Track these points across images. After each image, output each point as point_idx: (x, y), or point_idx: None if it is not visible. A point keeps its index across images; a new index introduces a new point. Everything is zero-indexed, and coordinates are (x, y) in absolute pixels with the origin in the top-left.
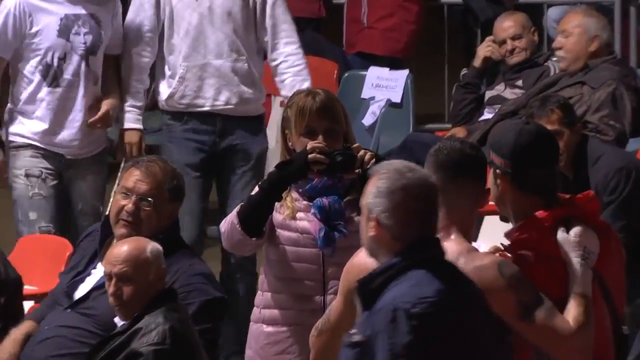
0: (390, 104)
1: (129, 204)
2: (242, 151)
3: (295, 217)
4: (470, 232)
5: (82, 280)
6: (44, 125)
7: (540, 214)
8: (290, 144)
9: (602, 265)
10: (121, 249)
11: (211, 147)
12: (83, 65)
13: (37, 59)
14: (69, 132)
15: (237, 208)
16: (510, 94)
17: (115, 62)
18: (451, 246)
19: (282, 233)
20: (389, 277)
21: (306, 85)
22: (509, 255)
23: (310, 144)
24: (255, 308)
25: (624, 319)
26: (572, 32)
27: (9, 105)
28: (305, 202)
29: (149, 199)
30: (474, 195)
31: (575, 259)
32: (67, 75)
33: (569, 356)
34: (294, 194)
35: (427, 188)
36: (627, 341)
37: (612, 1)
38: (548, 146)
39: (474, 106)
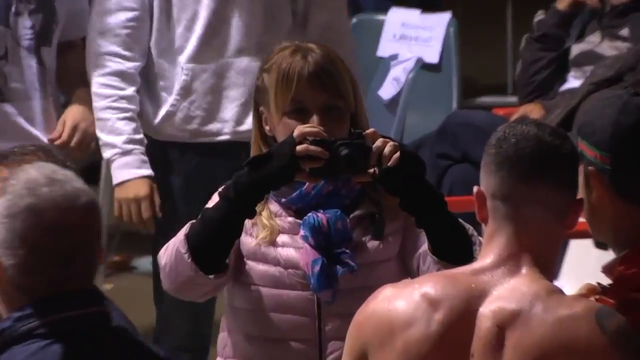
0: (422, 66)
1: None
2: None
3: (276, 242)
4: (552, 264)
5: None
6: None
7: None
8: (267, 128)
9: None
10: None
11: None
12: (34, 62)
13: None
14: None
15: (184, 228)
16: (609, 48)
17: (76, 51)
18: (522, 285)
19: (256, 267)
20: None
21: None
22: (609, 300)
23: (298, 129)
24: None
25: None
26: None
27: None
28: (290, 219)
29: None
30: (558, 208)
31: None
32: (14, 82)
33: None
34: (274, 207)
35: (70, 212)
36: None
37: None
38: None
39: (553, 70)
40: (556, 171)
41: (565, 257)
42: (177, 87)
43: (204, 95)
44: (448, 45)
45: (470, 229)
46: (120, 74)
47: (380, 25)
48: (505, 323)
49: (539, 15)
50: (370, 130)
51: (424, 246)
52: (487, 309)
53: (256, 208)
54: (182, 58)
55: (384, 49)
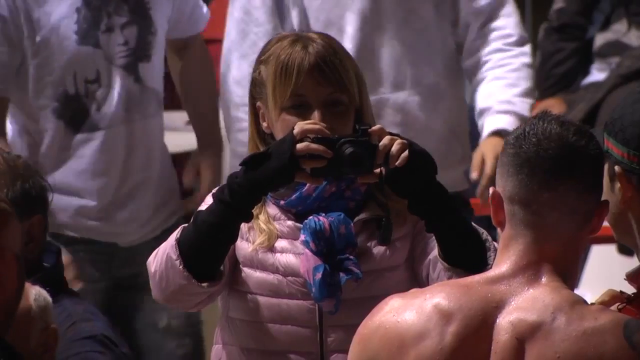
0: None
1: None
2: None
3: (274, 247)
4: (573, 272)
5: None
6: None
7: None
8: (264, 124)
9: None
10: None
11: None
12: (131, 82)
13: (50, 88)
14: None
15: (175, 233)
16: (637, 38)
17: (193, 53)
18: (542, 295)
19: (252, 275)
20: None
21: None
22: (634, 310)
23: (299, 126)
24: None
25: None
26: None
27: None
28: (290, 223)
29: None
30: (581, 214)
31: None
32: (107, 106)
33: None
34: (272, 210)
35: None
36: None
37: None
38: None
39: (575, 62)
40: (581, 175)
41: (587, 264)
42: None
43: None
44: None
45: (484, 233)
46: None
47: None
48: (525, 335)
49: (559, 3)
50: (377, 126)
51: (434, 252)
52: (506, 321)
53: (253, 211)
54: None
55: None
